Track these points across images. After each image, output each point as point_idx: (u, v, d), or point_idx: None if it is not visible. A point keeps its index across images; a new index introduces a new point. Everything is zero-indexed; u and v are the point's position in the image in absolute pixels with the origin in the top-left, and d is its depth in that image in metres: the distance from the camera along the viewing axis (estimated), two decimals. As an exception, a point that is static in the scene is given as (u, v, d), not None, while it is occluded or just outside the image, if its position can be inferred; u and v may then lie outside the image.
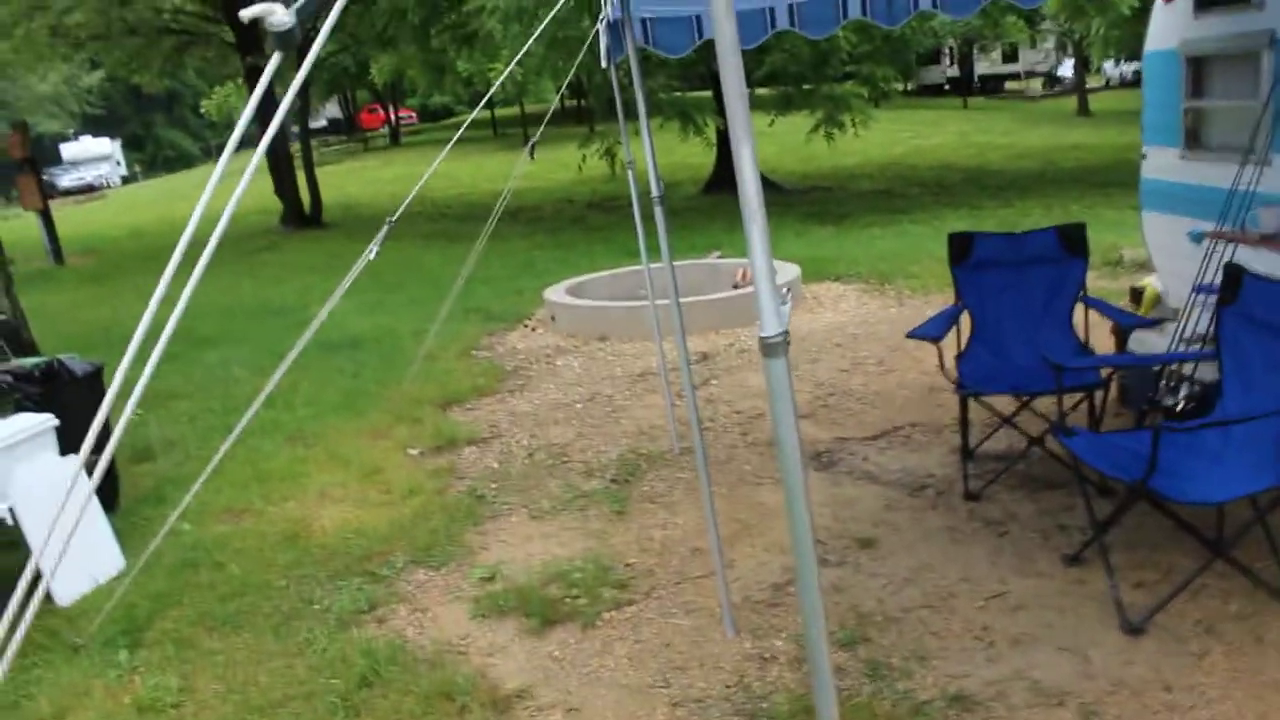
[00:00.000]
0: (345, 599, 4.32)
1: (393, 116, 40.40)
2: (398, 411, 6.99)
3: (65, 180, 39.65)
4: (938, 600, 3.85)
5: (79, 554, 4.79)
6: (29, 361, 5.84)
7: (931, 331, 4.73)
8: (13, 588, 4.52)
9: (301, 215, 19.45)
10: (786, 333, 1.74)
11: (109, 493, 5.58)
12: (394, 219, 4.15)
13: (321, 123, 45.64)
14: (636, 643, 3.76)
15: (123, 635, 4.17)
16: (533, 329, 9.43)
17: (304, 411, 7.26)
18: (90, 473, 5.13)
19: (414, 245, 15.57)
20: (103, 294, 14.41)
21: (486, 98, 5.88)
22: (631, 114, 4.52)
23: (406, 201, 4.53)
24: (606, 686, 3.50)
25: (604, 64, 4.73)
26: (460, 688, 3.51)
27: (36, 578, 4.20)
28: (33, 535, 4.66)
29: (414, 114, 46.83)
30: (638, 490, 5.26)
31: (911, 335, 4.81)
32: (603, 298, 9.63)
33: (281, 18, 1.37)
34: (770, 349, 1.76)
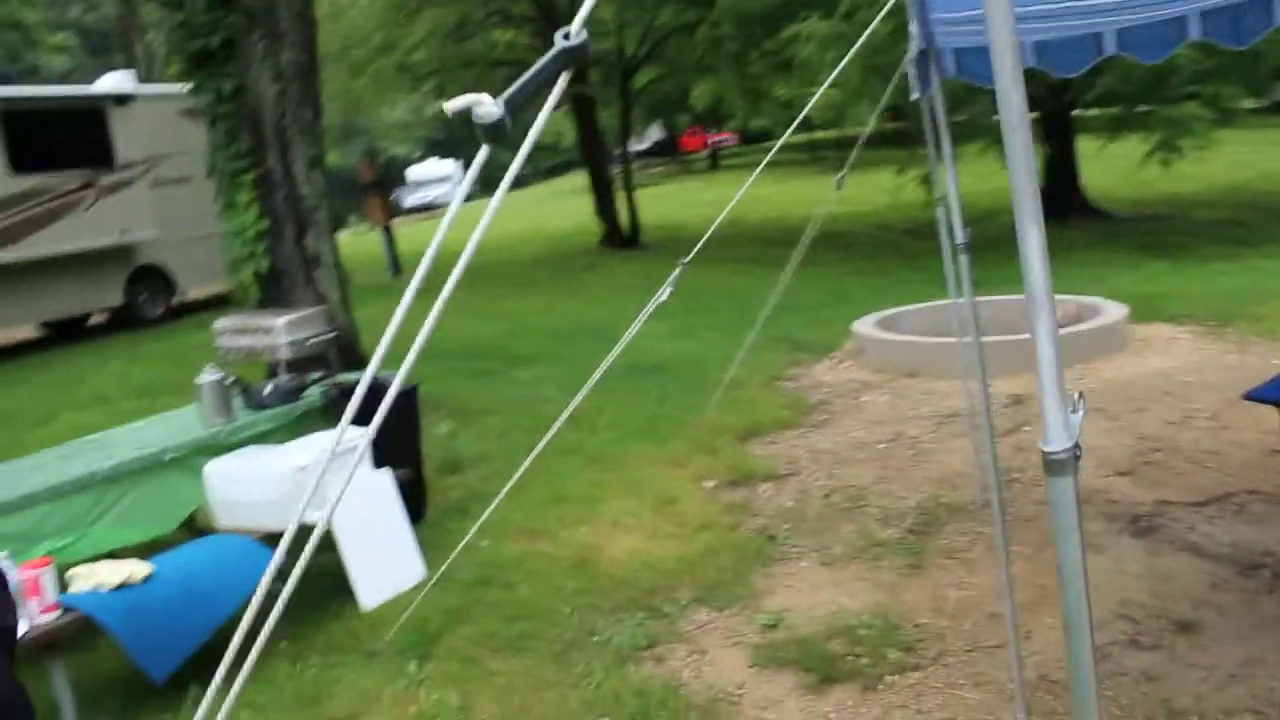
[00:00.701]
0: (626, 634, 4.31)
1: (710, 140, 41.08)
2: (697, 441, 6.99)
3: (410, 199, 42.69)
4: (1269, 704, 3.40)
5: (384, 563, 5.06)
6: (353, 376, 6.24)
7: (1274, 394, 4.22)
8: (323, 588, 4.78)
9: (620, 236, 20.03)
10: (1077, 446, 1.51)
11: (417, 504, 5.86)
12: (687, 260, 4.11)
13: (645, 145, 47.01)
14: (918, 713, 3.53)
15: (414, 646, 4.34)
16: (840, 361, 9.23)
17: (606, 435, 7.38)
18: (400, 486, 5.40)
19: (726, 269, 15.66)
20: (429, 308, 15.31)
21: (795, 123, 5.77)
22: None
23: (704, 239, 4.48)
24: (884, 758, 3.30)
25: (914, 95, 4.52)
26: (730, 742, 3.41)
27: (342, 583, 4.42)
28: (345, 542, 4.95)
29: (735, 136, 47.41)
30: (935, 543, 4.99)
31: (1249, 398, 4.30)
32: (915, 332, 9.30)
33: (489, 109, 1.31)
34: (1056, 466, 1.53)
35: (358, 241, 22.92)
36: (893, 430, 6.90)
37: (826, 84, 6.82)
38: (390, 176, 33.21)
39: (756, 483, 6.11)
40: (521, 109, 1.33)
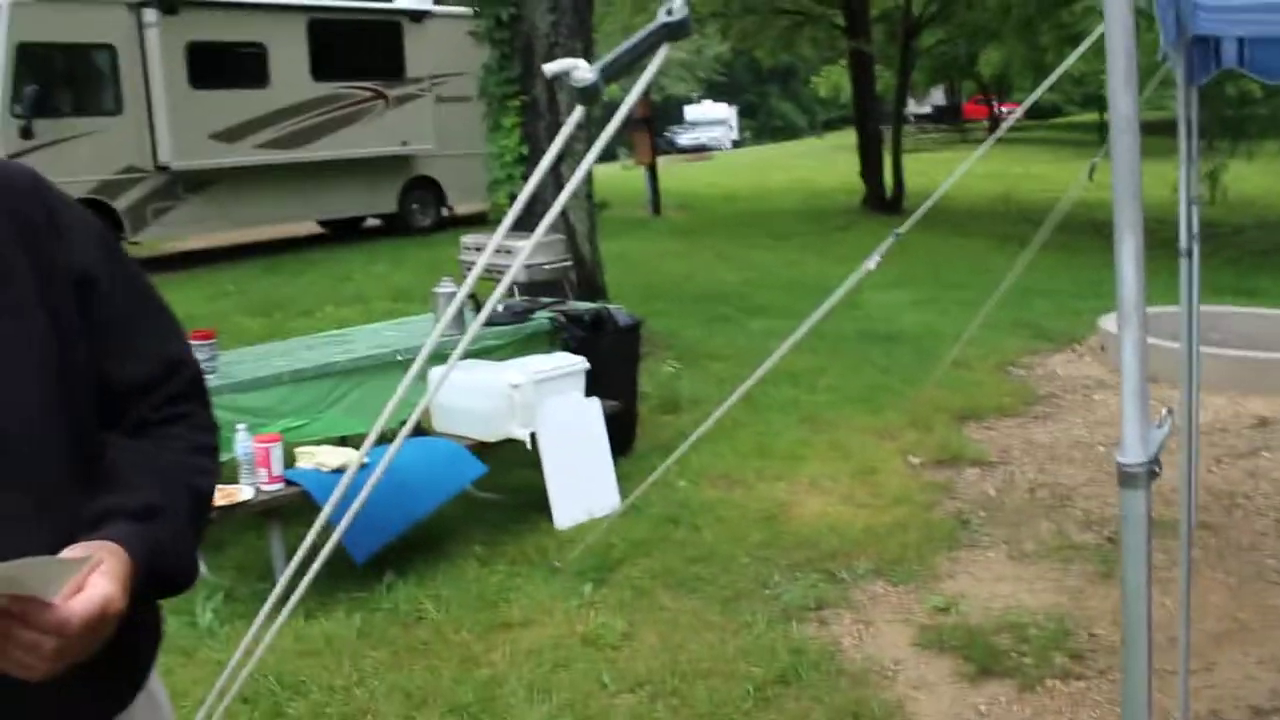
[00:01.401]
0: (797, 592, 4.37)
1: (996, 109, 39.56)
2: (913, 415, 6.89)
3: (683, 139, 43.14)
4: None
5: (582, 487, 5.27)
6: (582, 306, 6.47)
7: None
8: (523, 502, 5.04)
9: (882, 199, 19.68)
10: (1156, 462, 1.47)
11: (625, 437, 6.05)
12: (902, 231, 4.07)
13: (925, 109, 45.71)
14: (1071, 722, 3.45)
15: (593, 570, 4.54)
16: (1080, 355, 8.85)
17: (824, 396, 7.38)
18: (608, 418, 5.59)
19: (986, 245, 15.17)
20: (684, 249, 15.53)
21: (1030, 99, 5.53)
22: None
23: (923, 208, 4.38)
24: (1026, 759, 3.25)
25: (1182, 85, 4.26)
26: (872, 713, 3.43)
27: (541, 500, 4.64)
28: (548, 462, 5.19)
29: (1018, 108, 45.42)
30: (1135, 554, 4.78)
31: None
32: (1168, 335, 8.79)
33: (584, 74, 1.37)
34: (1129, 479, 1.49)
35: (623, 176, 23.42)
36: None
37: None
38: (666, 114, 33.59)
39: (963, 466, 6.00)
40: (618, 76, 1.39)
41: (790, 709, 3.47)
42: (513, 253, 6.93)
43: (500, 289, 1.74)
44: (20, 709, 1.27)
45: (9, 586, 1.11)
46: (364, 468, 4.81)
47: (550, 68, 1.49)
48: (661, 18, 1.39)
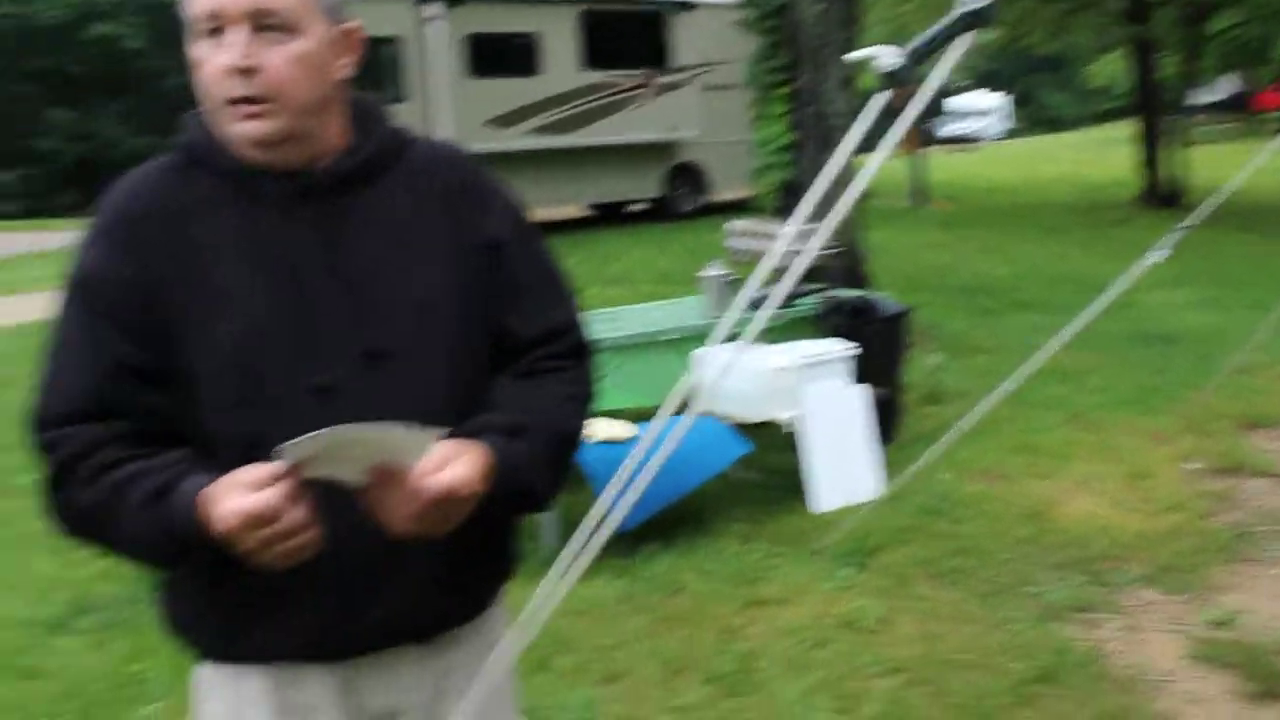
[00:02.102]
0: (1061, 592, 4.26)
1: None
2: (1190, 420, 6.56)
3: (945, 130, 41.96)
4: None
5: (845, 473, 5.31)
6: (848, 293, 6.48)
7: None
8: (783, 484, 5.12)
9: (1160, 194, 18.62)
10: None
11: (888, 425, 6.02)
12: (1188, 224, 3.89)
13: (1215, 98, 42.78)
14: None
15: (852, 555, 4.57)
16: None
17: (1093, 397, 7.11)
18: (875, 406, 5.60)
19: (1276, 246, 14.16)
20: (947, 240, 15.18)
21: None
22: None
23: (1225, 190, 4.17)
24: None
25: None
26: (1140, 720, 3.33)
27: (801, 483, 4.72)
28: (810, 446, 5.24)
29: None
30: None
31: None
32: None
33: (890, 59, 1.41)
34: None
35: (885, 166, 23.01)
36: None
37: None
38: (929, 106, 32.76)
39: (1245, 476, 5.67)
40: (923, 60, 1.43)
41: (1051, 708, 3.42)
42: (781, 239, 7.03)
43: (788, 279, 1.83)
44: (397, 588, 1.55)
45: (377, 451, 1.36)
46: (630, 440, 5.02)
47: (851, 55, 1.56)
48: (964, 5, 1.43)
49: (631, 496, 1.93)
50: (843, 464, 5.33)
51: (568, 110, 15.28)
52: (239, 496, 1.36)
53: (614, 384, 5.58)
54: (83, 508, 1.48)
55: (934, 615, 4.07)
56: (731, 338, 5.77)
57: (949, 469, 5.53)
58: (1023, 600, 4.20)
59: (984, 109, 44.11)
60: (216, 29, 1.46)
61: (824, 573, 4.43)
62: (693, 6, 16.21)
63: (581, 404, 1.69)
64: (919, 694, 3.56)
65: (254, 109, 1.47)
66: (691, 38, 16.03)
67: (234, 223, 1.52)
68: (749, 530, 4.90)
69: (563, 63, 15.21)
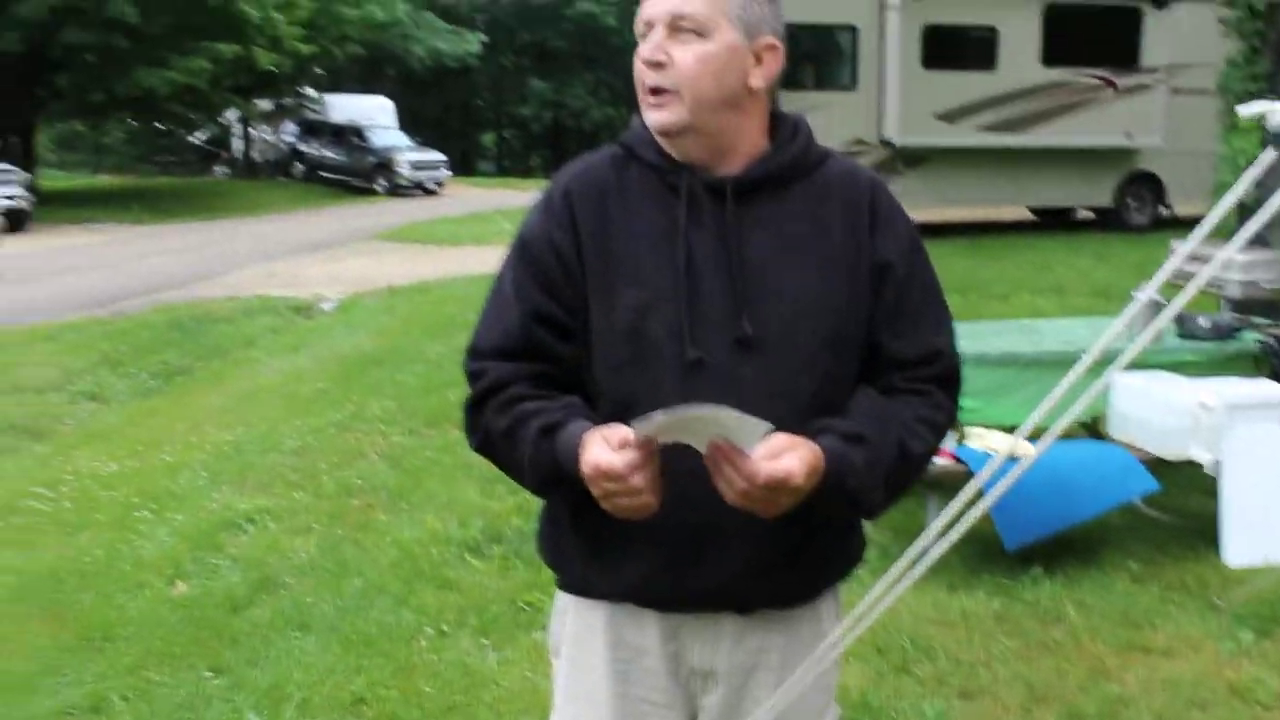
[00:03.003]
0: None
1: None
2: None
3: None
4: None
5: (1268, 528, 4.86)
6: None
7: None
8: (1195, 531, 4.80)
9: None
10: None
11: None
12: None
13: None
14: None
15: (1256, 618, 4.19)
16: None
17: None
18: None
19: None
20: None
21: None
22: None
23: None
24: None
25: None
26: None
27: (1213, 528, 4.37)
28: (1230, 493, 4.84)
29: None
30: None
31: None
32: None
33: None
34: None
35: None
36: None
37: None
38: None
39: None
40: None
41: None
42: (1228, 265, 6.49)
43: (1182, 296, 1.75)
44: (721, 557, 1.72)
45: (721, 429, 1.53)
46: (1021, 459, 4.87)
47: (1245, 110, 1.48)
48: None
49: (989, 497, 1.88)
50: (1266, 518, 4.87)
51: (1020, 108, 14.74)
52: (598, 449, 1.57)
53: (1022, 398, 5.42)
54: (491, 431, 1.75)
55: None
56: (1152, 366, 5.50)
57: None
58: None
59: None
60: (648, 32, 1.72)
61: (1221, 631, 4.10)
62: (1171, 2, 15.08)
63: (935, 429, 1.79)
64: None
65: (661, 98, 1.70)
66: (1164, 36, 14.92)
67: (650, 211, 1.74)
68: (1143, 571, 4.62)
69: (1021, 58, 14.67)
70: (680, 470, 1.60)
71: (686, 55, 1.68)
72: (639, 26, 1.74)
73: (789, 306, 1.71)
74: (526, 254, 1.78)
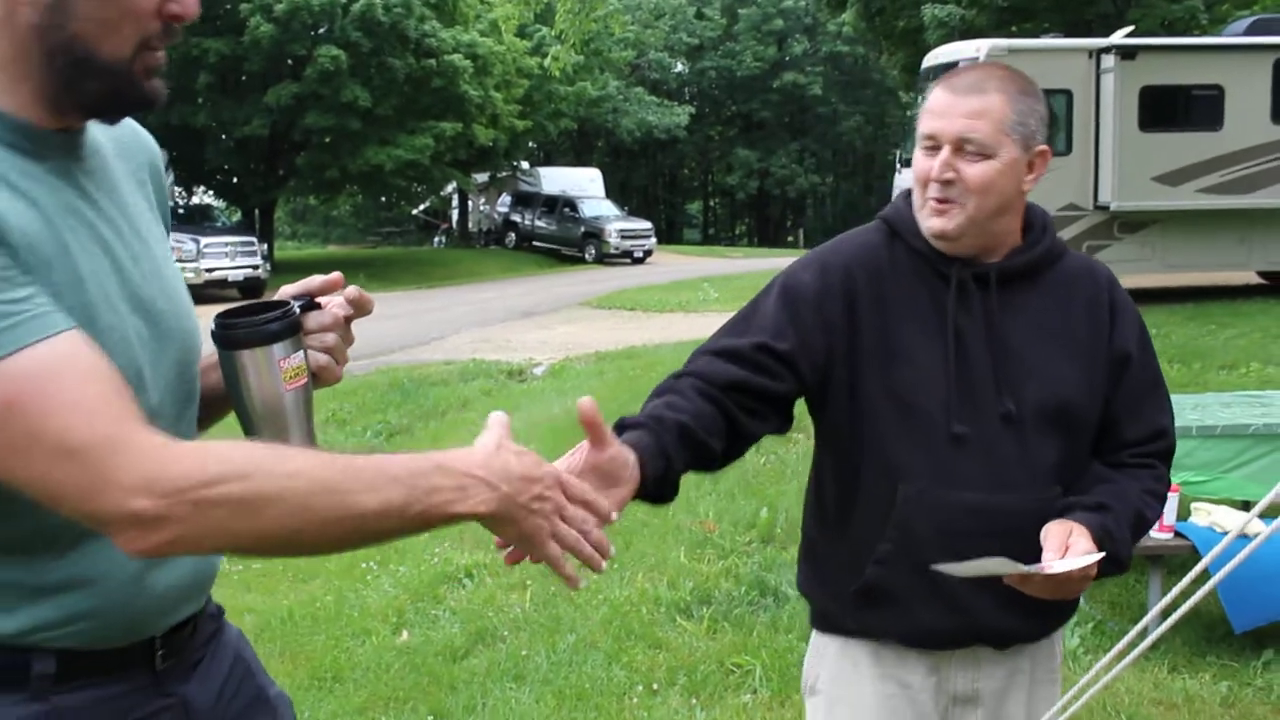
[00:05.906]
0: None
1: None
2: None
3: None
4: None
5: None
6: None
7: None
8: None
9: None
10: None
11: None
12: None
13: None
14: None
15: None
16: None
17: None
18: None
19: None
20: None
21: None
22: None
23: None
24: None
25: None
26: None
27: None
28: None
29: None
30: None
31: None
32: None
33: None
34: None
35: None
36: None
37: None
38: None
39: None
40: None
41: None
42: None
43: None
44: (985, 606, 1.91)
45: (1005, 569, 1.74)
46: (1252, 537, 4.66)
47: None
48: None
49: (1218, 576, 1.86)
50: None
51: (1247, 168, 14.02)
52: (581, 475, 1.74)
53: (1250, 472, 5.17)
54: (662, 392, 1.85)
55: None
56: None
57: None
58: None
59: None
60: (932, 146, 1.87)
61: None
62: None
63: (1158, 499, 1.98)
64: None
65: (945, 207, 1.87)
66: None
67: (919, 291, 1.93)
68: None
69: (1248, 116, 13.99)
70: (957, 531, 1.84)
71: (973, 173, 1.84)
72: (921, 138, 1.89)
73: (1042, 388, 1.89)
74: (789, 300, 1.93)
